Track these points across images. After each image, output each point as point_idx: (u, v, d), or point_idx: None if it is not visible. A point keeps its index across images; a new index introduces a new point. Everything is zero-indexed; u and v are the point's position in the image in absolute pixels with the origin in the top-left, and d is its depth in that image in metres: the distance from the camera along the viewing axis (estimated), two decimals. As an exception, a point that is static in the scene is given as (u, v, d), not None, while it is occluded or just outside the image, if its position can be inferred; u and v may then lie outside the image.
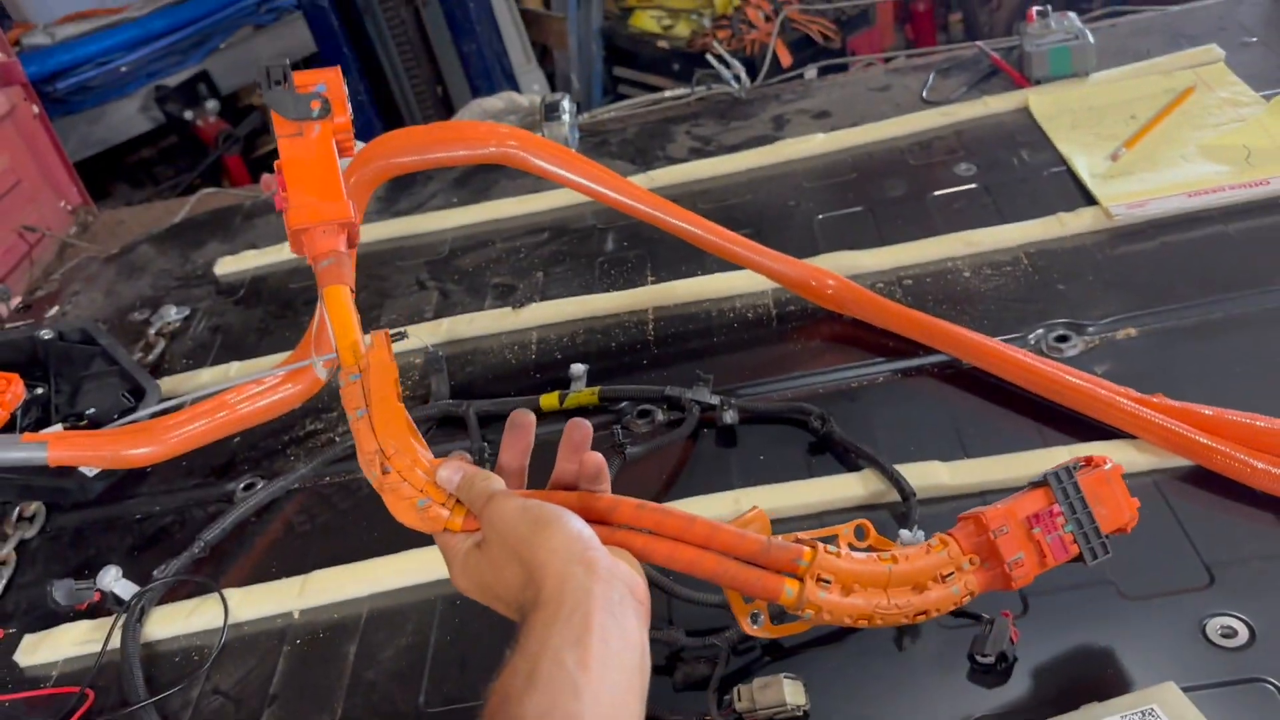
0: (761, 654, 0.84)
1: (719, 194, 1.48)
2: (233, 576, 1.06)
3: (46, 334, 1.29)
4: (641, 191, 1.19)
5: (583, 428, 0.75)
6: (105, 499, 1.19)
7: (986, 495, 0.93)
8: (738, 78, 1.76)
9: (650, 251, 1.38)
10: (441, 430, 1.16)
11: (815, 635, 0.81)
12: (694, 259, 1.31)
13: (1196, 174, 1.24)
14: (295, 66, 0.93)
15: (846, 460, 1.01)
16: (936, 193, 1.35)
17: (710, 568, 0.70)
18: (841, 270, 1.22)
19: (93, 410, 1.20)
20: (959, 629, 0.82)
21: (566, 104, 1.62)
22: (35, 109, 1.90)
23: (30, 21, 3.21)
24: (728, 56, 1.78)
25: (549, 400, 1.12)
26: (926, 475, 0.95)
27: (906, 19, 3.80)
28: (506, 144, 1.13)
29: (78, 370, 1.27)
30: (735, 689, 0.79)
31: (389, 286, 1.44)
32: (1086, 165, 1.30)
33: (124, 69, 3.06)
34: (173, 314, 1.47)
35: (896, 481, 0.95)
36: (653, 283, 1.32)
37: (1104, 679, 0.77)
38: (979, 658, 0.79)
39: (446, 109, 2.89)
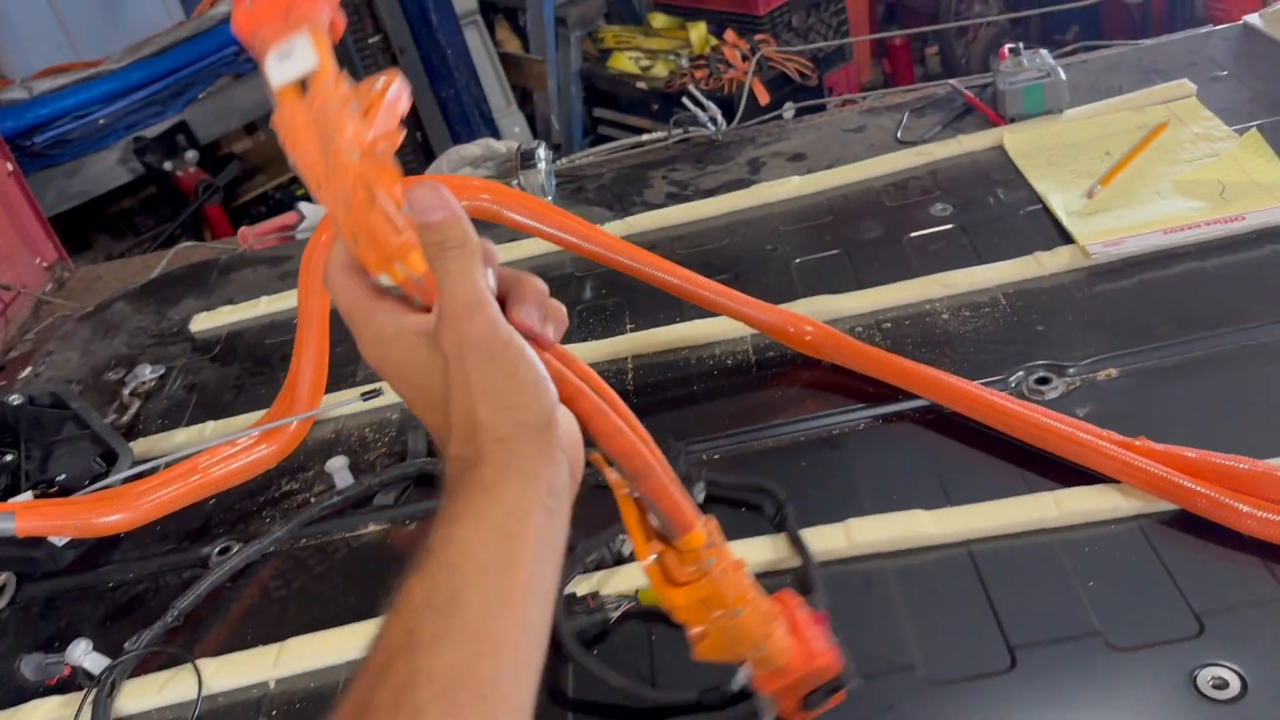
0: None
1: (696, 239, 1.47)
2: (208, 645, 1.03)
3: (16, 399, 1.28)
4: (616, 241, 1.18)
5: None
6: (77, 567, 1.17)
7: (970, 544, 0.92)
8: (714, 120, 1.76)
9: (629, 299, 1.37)
10: (419, 489, 1.14)
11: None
12: (673, 306, 1.30)
13: (1172, 210, 1.23)
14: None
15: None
16: (913, 234, 1.34)
17: (647, 463, 0.61)
18: (820, 315, 1.21)
19: (63, 476, 1.19)
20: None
21: (542, 152, 1.62)
22: (9, 166, 1.89)
23: (7, 77, 3.20)
24: (702, 99, 1.78)
25: None
26: (910, 525, 0.94)
27: (883, 54, 3.84)
28: (479, 198, 1.12)
29: (48, 435, 1.25)
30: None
31: (365, 341, 1.42)
32: (1062, 203, 1.30)
33: (102, 121, 3.05)
34: (147, 373, 1.46)
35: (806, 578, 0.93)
36: (631, 330, 1.31)
37: (1095, 736, 0.75)
38: None
39: (427, 155, 2.89)
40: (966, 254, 1.28)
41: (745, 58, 3.14)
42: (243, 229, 1.82)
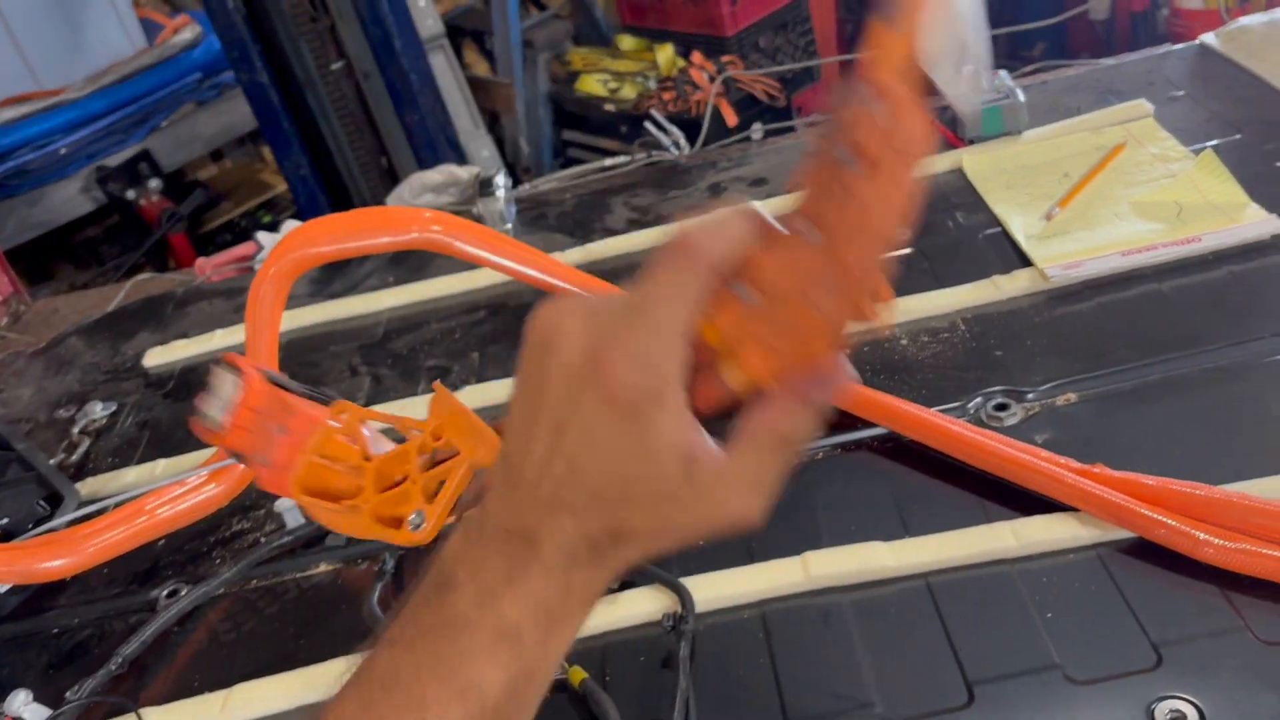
0: None
1: (657, 265, 1.45)
2: (154, 692, 1.01)
3: (-40, 441, 1.25)
4: (571, 271, 1.16)
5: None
6: (20, 613, 1.14)
7: (928, 576, 0.91)
8: (676, 144, 1.75)
9: (588, 327, 1.35)
10: (371, 527, 1.12)
11: None
12: (631, 334, 1.28)
13: (1129, 232, 1.23)
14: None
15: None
16: (873, 259, 1.33)
17: None
18: (779, 342, 1.20)
19: (6, 520, 1.16)
20: None
21: (501, 179, 1.60)
22: (-38, 200, 1.86)
23: (-35, 107, 3.17)
24: (665, 123, 1.77)
25: None
26: (868, 558, 0.93)
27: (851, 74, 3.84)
28: (429, 230, 1.11)
29: (-8, 477, 1.23)
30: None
31: (320, 374, 1.40)
32: (1021, 226, 1.29)
33: (64, 151, 3.02)
34: (98, 410, 1.43)
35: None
36: (590, 360, 1.29)
37: (1052, 775, 0.74)
38: None
39: (392, 179, 2.87)
40: (926, 278, 1.27)
41: (712, 79, 3.14)
42: (199, 260, 1.80)
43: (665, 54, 3.36)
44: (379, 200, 2.50)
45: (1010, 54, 3.61)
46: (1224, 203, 1.21)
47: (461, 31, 3.78)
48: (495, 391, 1.26)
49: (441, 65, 3.32)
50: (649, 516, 0.46)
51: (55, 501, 1.18)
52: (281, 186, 3.40)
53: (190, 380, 1.47)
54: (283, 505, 1.13)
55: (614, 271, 1.46)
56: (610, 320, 0.45)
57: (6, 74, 3.12)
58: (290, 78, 2.74)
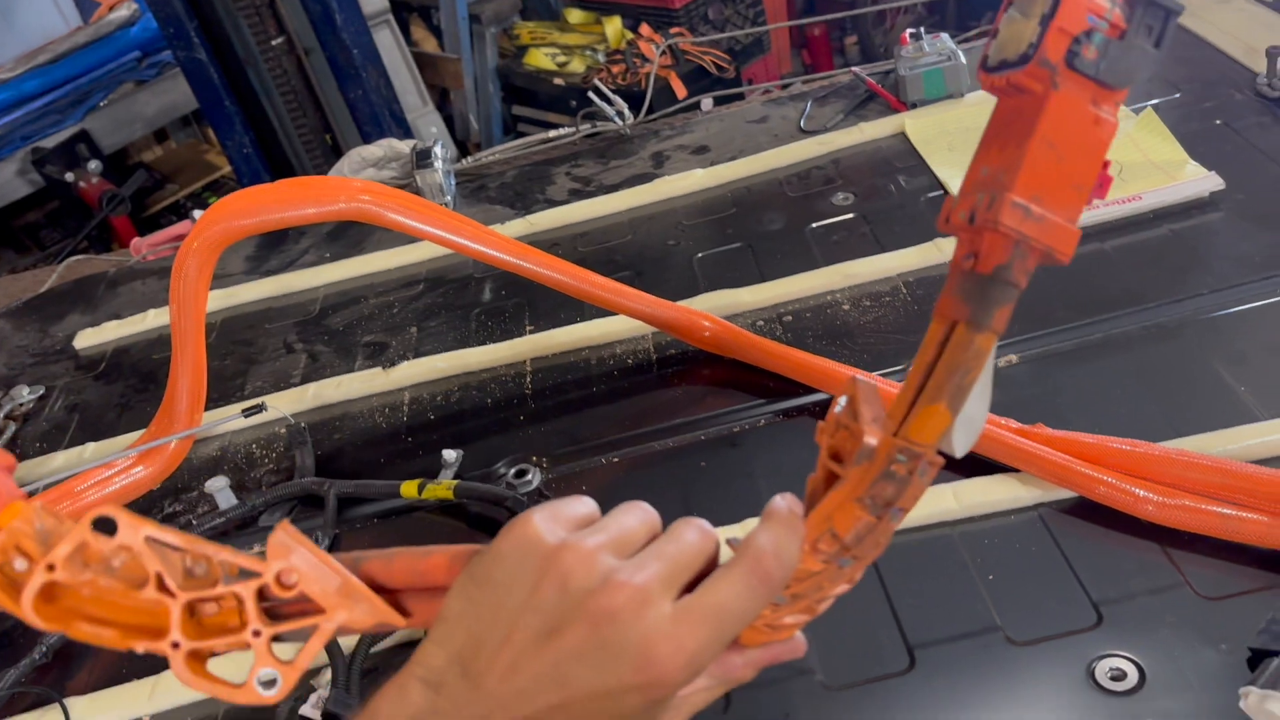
0: None
1: (599, 236, 1.43)
2: (80, 682, 0.97)
3: (-123, 428, 1.20)
4: (507, 241, 1.13)
5: None
6: (-58, 604, 1.10)
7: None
8: (620, 114, 1.72)
9: (529, 300, 1.33)
10: (305, 509, 1.09)
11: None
12: (574, 305, 1.26)
13: (1071, 192, 1.22)
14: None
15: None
16: (815, 224, 1.32)
17: None
18: (722, 309, 1.18)
19: (-76, 509, 1.11)
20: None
21: (439, 150, 1.57)
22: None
23: (-105, 89, 3.08)
24: (609, 93, 1.74)
25: (409, 489, 1.05)
26: (808, 524, 0.91)
27: (803, 44, 3.83)
28: (358, 199, 1.07)
29: (-87, 464, 1.18)
30: None
31: (254, 352, 1.37)
32: (964, 188, 1.28)
33: (-2, 132, 2.95)
34: (25, 394, 1.39)
35: None
36: (531, 332, 1.27)
37: (991, 737, 0.73)
38: None
39: (337, 157, 2.81)
40: (868, 243, 1.25)
41: (661, 52, 3.11)
42: (135, 240, 1.75)
43: (613, 26, 3.32)
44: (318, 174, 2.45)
45: (959, 24, 3.62)
46: (1164, 161, 1.21)
47: (408, 7, 3.72)
48: (434, 366, 1.23)
49: (387, 41, 3.26)
50: None
51: (-23, 488, 1.14)
52: (228, 168, 3.33)
53: (122, 362, 1.43)
54: (214, 486, 1.10)
55: (556, 243, 1.43)
56: (670, 605, 0.48)
57: (-65, 54, 3.03)
58: (230, 55, 2.68)
